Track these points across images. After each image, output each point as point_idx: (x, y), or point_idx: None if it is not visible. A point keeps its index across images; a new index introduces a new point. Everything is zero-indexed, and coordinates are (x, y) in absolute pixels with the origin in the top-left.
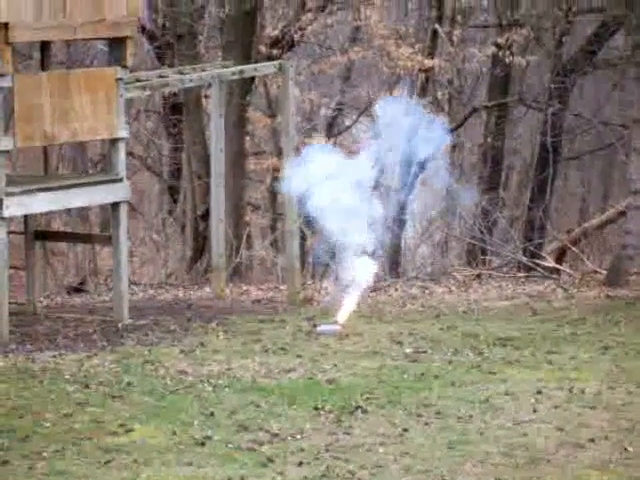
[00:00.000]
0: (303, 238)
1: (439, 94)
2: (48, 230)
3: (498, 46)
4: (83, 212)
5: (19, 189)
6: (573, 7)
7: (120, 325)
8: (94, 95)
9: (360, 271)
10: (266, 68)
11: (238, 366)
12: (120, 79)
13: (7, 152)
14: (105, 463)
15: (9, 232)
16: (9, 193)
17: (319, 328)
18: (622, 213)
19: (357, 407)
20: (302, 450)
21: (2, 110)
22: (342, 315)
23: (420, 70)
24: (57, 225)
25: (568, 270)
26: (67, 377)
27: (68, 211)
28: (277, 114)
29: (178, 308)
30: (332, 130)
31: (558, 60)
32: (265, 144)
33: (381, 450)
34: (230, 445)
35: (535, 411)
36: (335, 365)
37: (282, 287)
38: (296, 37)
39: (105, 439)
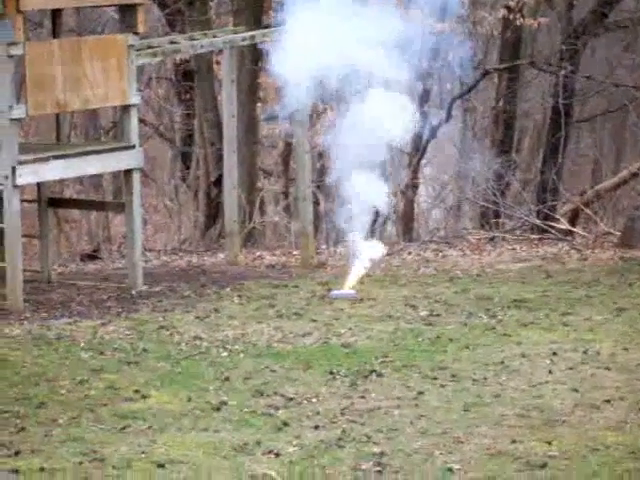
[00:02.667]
0: (316, 203)
1: (450, 57)
2: (61, 198)
3: (509, 9)
4: (96, 180)
5: (32, 157)
6: None
7: (134, 292)
8: (105, 62)
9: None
10: (277, 33)
11: (253, 331)
12: (131, 46)
13: (19, 120)
14: (121, 429)
15: (22, 200)
16: (22, 161)
17: (333, 293)
18: (635, 174)
19: (372, 371)
20: (318, 414)
21: (14, 78)
22: (350, 280)
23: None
24: (70, 193)
25: (582, 232)
26: (82, 344)
27: (81, 179)
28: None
29: (192, 274)
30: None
31: (569, 22)
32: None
33: (396, 413)
34: (246, 410)
35: (550, 373)
36: (350, 329)
37: (295, 252)
38: None
39: (121, 405)
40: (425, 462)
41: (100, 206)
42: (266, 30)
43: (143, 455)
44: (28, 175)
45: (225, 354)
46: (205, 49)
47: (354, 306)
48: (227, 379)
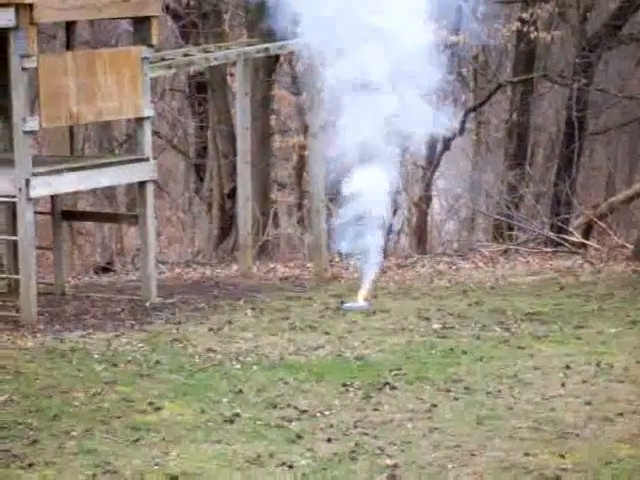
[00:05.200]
0: (330, 215)
1: (464, 70)
2: (75, 210)
3: (523, 21)
4: (110, 192)
5: (46, 169)
6: None
7: (148, 304)
8: (119, 74)
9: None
10: (291, 46)
11: (266, 343)
12: (145, 58)
13: (33, 132)
14: (134, 441)
15: (36, 212)
16: (36, 173)
17: (346, 305)
18: None
19: (385, 383)
20: (331, 426)
21: (28, 91)
22: (362, 291)
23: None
24: (84, 205)
25: (595, 245)
26: (96, 356)
27: (94, 191)
28: (302, 92)
29: (205, 286)
30: None
31: (583, 35)
32: (291, 122)
33: (410, 426)
34: (259, 422)
35: (563, 386)
36: (363, 342)
37: (309, 265)
38: None
39: (134, 417)
40: (438, 475)
41: (114, 218)
42: (280, 43)
43: (156, 467)
44: (42, 187)
45: (238, 366)
46: (219, 61)
47: (367, 319)
48: (240, 391)
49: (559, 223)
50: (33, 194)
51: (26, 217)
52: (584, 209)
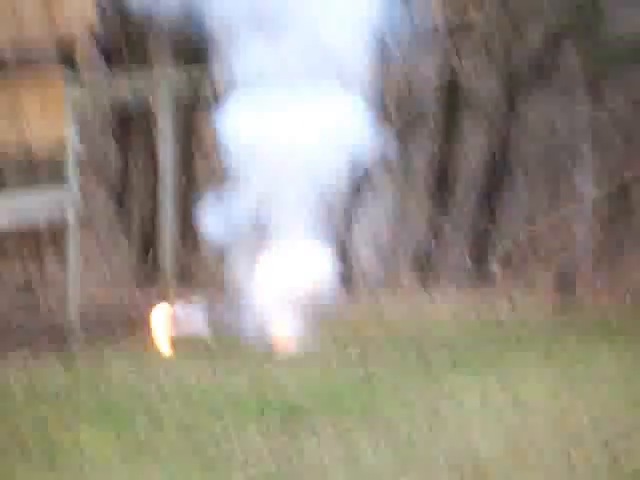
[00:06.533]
0: None
1: (387, 99)
2: None
3: (447, 52)
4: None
5: None
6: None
7: (69, 331)
8: (42, 97)
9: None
10: (212, 69)
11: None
12: (68, 80)
13: None
14: (49, 465)
15: None
16: None
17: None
18: (567, 219)
19: (301, 411)
20: (246, 453)
21: None
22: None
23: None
24: None
25: (514, 276)
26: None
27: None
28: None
29: (126, 313)
30: None
31: (507, 68)
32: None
33: (326, 456)
34: (175, 449)
35: (479, 418)
36: (279, 369)
37: None
38: None
39: (50, 441)
40: None
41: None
42: (202, 65)
43: None
44: None
45: (156, 393)
46: (142, 85)
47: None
48: (157, 418)
49: (479, 254)
50: None
51: None
52: (504, 240)
